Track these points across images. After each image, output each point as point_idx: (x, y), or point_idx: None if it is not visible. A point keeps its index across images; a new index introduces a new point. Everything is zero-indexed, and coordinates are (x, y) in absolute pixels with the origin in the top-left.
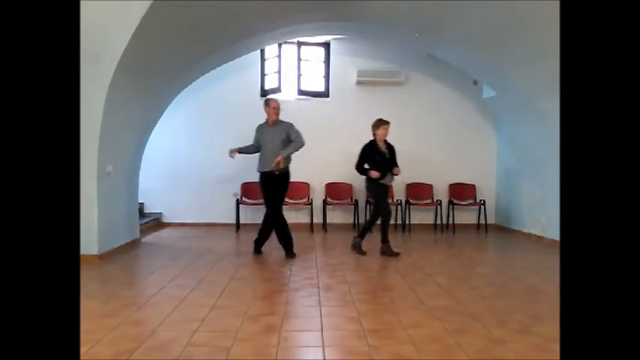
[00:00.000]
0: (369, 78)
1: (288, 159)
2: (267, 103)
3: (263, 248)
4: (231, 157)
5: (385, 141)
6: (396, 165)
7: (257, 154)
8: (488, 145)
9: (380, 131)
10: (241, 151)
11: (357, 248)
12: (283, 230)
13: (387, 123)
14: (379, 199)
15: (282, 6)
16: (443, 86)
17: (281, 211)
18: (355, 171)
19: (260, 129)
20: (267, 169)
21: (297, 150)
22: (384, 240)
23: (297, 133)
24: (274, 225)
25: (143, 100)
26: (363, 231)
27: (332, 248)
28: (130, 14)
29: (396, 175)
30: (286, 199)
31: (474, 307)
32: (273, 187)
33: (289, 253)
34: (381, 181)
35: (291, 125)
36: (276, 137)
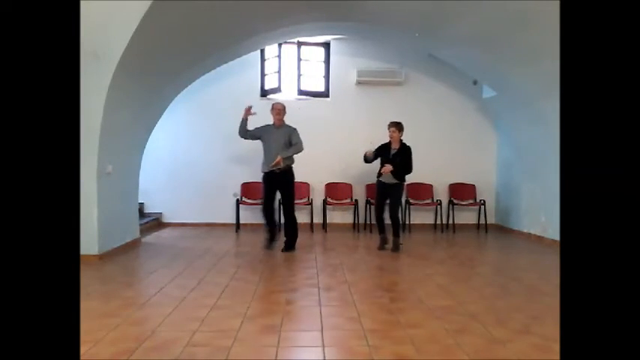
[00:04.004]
0: (369, 78)
1: (289, 159)
2: (272, 106)
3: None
4: (248, 112)
5: (400, 142)
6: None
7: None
8: (489, 145)
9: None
10: (244, 122)
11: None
12: (295, 229)
13: (390, 125)
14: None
15: (282, 6)
16: (443, 86)
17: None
18: (355, 171)
19: (266, 129)
20: (270, 169)
21: (296, 153)
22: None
23: (299, 138)
24: (294, 221)
25: (143, 100)
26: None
27: (332, 248)
28: (130, 14)
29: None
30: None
31: (474, 307)
32: (281, 186)
33: (289, 247)
34: (379, 178)
35: (294, 130)
36: (280, 139)
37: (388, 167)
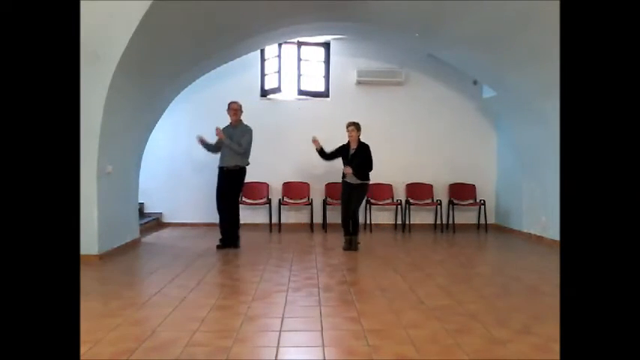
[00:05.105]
0: (369, 78)
1: (230, 151)
2: (228, 106)
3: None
4: (200, 141)
5: (359, 141)
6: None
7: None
8: (489, 145)
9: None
10: (204, 143)
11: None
12: (234, 227)
13: (349, 125)
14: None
15: (282, 6)
16: (443, 86)
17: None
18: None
19: (224, 130)
20: (222, 165)
21: (233, 148)
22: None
23: (248, 139)
24: (233, 219)
25: (143, 100)
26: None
27: (332, 248)
28: (130, 14)
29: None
30: (286, 199)
31: (474, 307)
32: (227, 183)
33: (226, 244)
34: (344, 179)
35: (249, 131)
36: (234, 137)
37: (348, 169)
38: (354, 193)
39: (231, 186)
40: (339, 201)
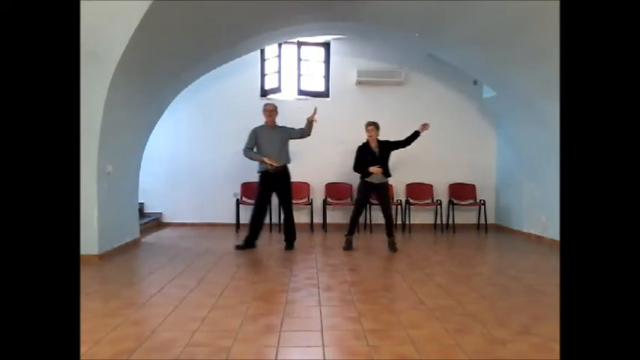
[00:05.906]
0: (369, 78)
1: (287, 157)
2: (264, 107)
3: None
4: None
5: (377, 140)
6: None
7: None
8: (489, 145)
9: (366, 133)
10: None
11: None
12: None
13: (369, 125)
14: (357, 195)
15: (282, 6)
16: (443, 86)
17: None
18: (354, 171)
19: (261, 130)
20: (278, 166)
21: (304, 134)
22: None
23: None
24: (293, 221)
25: (143, 100)
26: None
27: (332, 248)
28: (130, 14)
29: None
30: None
31: (473, 307)
32: (278, 187)
33: (291, 246)
34: (367, 179)
35: (290, 128)
36: (276, 139)
37: (377, 169)
38: (382, 194)
39: (286, 188)
40: (341, 201)
